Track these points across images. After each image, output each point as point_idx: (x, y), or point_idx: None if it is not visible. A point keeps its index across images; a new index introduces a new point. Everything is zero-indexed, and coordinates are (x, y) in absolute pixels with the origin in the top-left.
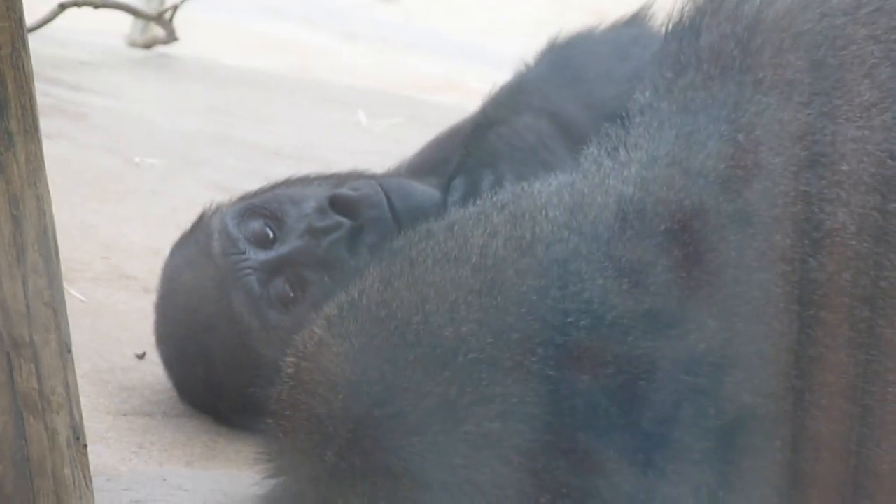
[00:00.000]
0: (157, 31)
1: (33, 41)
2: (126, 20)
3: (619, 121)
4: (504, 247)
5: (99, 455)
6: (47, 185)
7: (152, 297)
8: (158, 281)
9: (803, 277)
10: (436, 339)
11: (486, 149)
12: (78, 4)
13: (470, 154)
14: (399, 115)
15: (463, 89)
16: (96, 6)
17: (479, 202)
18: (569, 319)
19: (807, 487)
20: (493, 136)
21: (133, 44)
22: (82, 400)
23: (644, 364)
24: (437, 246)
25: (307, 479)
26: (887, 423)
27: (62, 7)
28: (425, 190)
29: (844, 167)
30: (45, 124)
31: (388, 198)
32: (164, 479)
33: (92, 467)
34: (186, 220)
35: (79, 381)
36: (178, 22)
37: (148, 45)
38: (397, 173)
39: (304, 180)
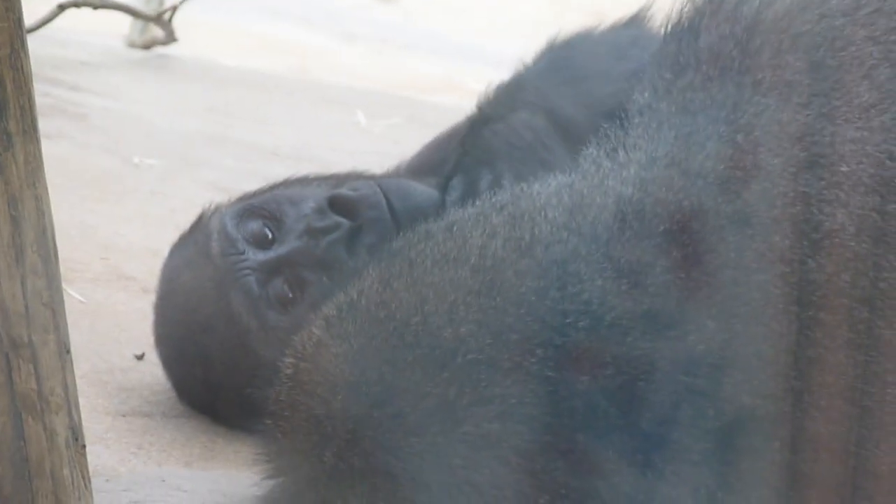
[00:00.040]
0: (157, 31)
1: (33, 42)
2: (125, 21)
3: (617, 122)
4: (503, 248)
5: (98, 456)
6: (46, 186)
7: (151, 298)
8: (157, 281)
9: (802, 278)
10: (435, 340)
11: (483, 147)
12: (77, 5)
13: (467, 152)
14: (398, 116)
15: (462, 90)
16: (95, 7)
17: (477, 203)
18: (568, 320)
19: (806, 488)
20: (489, 133)
21: (132, 44)
22: (81, 400)
23: (643, 365)
24: (436, 247)
25: (306, 479)
26: (886, 424)
27: (61, 8)
28: (424, 190)
29: (843, 168)
30: (44, 125)
31: (387, 198)
32: (163, 480)
33: (91, 468)
34: (185, 221)
35: (78, 381)
36: (177, 23)
37: (147, 46)
38: (396, 174)
39: (303, 181)
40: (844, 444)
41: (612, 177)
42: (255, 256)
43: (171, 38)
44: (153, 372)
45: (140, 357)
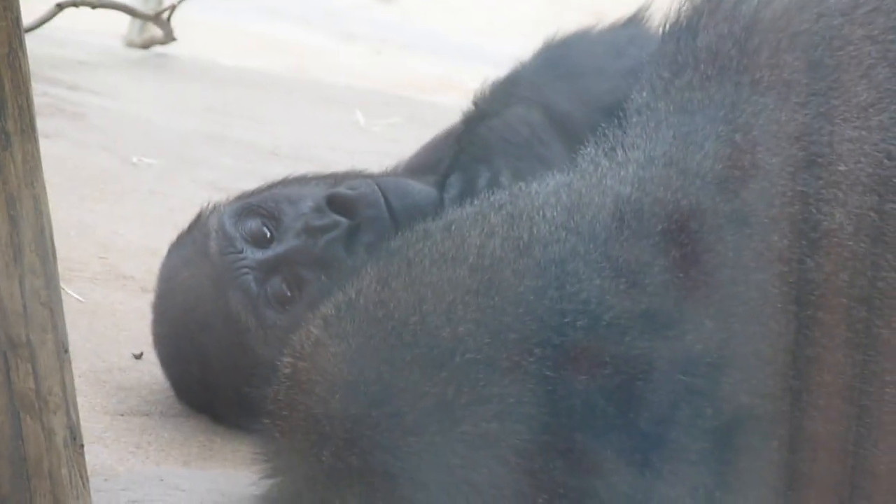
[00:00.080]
0: (155, 31)
1: (31, 41)
2: (124, 20)
3: (615, 120)
4: (501, 247)
5: (96, 455)
6: (44, 185)
7: (150, 297)
8: (156, 280)
9: (800, 278)
10: (433, 340)
11: (479, 143)
12: (75, 4)
13: (463, 149)
14: (397, 115)
15: (461, 89)
16: (94, 6)
17: (476, 202)
18: (566, 320)
19: (804, 488)
20: (484, 129)
21: (131, 44)
22: (80, 400)
23: (641, 364)
24: (435, 246)
25: (304, 479)
26: (884, 424)
27: (60, 7)
28: (422, 189)
29: (842, 167)
30: (42, 124)
31: (385, 197)
32: (162, 479)
33: (89, 467)
34: (184, 220)
35: (76, 380)
36: (176, 22)
37: (145, 46)
38: (394, 174)
39: (302, 180)
40: (843, 443)
41: (610, 176)
42: (254, 255)
43: (169, 37)
44: (151, 371)
45: (138, 356)
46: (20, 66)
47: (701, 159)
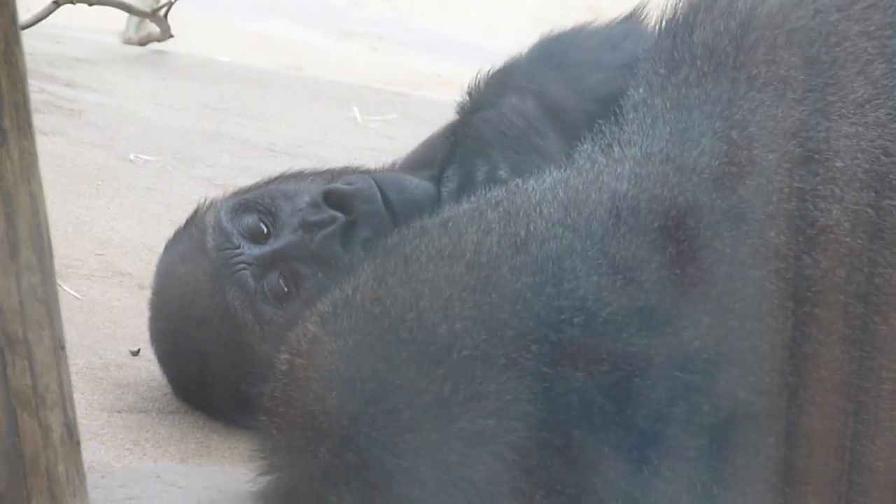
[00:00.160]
0: (152, 28)
1: (28, 38)
2: (121, 17)
3: (611, 115)
4: (498, 244)
5: (93, 452)
6: (41, 183)
7: (147, 294)
8: (153, 277)
9: (797, 274)
10: (430, 337)
11: (475, 135)
12: (72, 1)
13: (459, 141)
14: (394, 112)
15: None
16: (91, 3)
17: (473, 198)
18: (563, 316)
19: (802, 484)
20: (479, 121)
21: (128, 41)
22: (76, 397)
23: (638, 361)
24: (431, 243)
25: (301, 475)
26: (881, 420)
27: (57, 4)
28: (419, 183)
29: (838, 164)
30: (39, 121)
31: (382, 192)
32: (159, 476)
33: (86, 464)
34: (181, 217)
35: (73, 377)
36: (173, 19)
37: (143, 43)
38: (392, 170)
39: (298, 176)
40: (840, 439)
41: (606, 172)
42: (251, 251)
43: (166, 34)
44: (148, 368)
45: (135, 353)
46: (16, 62)
47: (697, 156)
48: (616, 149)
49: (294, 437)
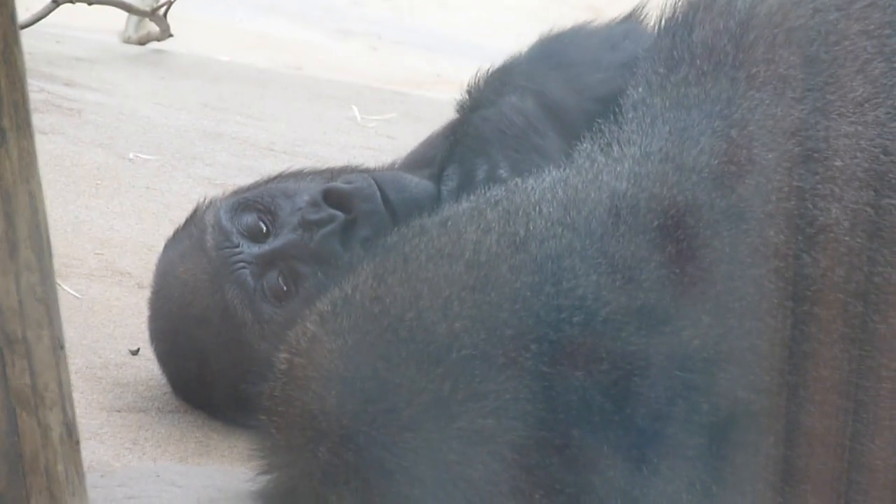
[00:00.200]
0: (152, 27)
1: (28, 37)
2: (121, 16)
3: (611, 114)
4: (498, 243)
5: (93, 451)
6: (40, 182)
7: (146, 293)
8: (152, 276)
9: (797, 273)
10: (429, 336)
11: (475, 134)
12: (72, 1)
13: (458, 140)
14: (393, 111)
15: (457, 85)
16: (90, 2)
17: (472, 197)
18: (562, 316)
19: (801, 483)
20: (479, 119)
21: (127, 40)
22: (76, 396)
23: (637, 360)
24: (431, 242)
25: (300, 474)
26: (881, 419)
27: (56, 3)
28: (419, 182)
29: (838, 163)
30: (39, 120)
31: (382, 190)
32: (158, 475)
33: (86, 463)
34: (180, 216)
35: (72, 377)
36: (173, 18)
37: (142, 42)
38: (392, 170)
39: (298, 175)
40: (839, 438)
41: (606, 172)
42: (250, 249)
43: (166, 33)
44: (148, 367)
45: (135, 352)
46: (16, 62)
47: (697, 155)
48: (615, 148)
49: (293, 436)
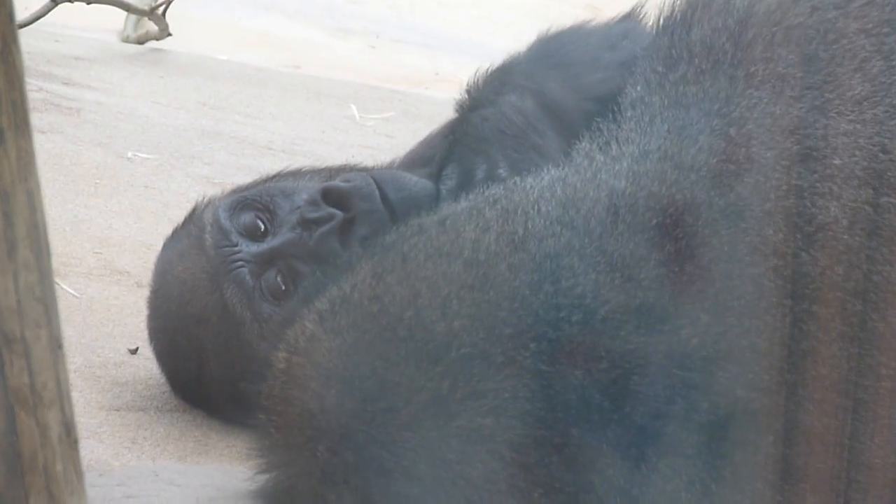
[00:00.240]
0: (150, 26)
1: (27, 36)
2: (119, 16)
3: (610, 113)
4: (496, 242)
5: (92, 450)
6: (38, 181)
7: (145, 292)
8: (151, 275)
9: (795, 271)
10: (428, 335)
11: (474, 133)
12: (71, 0)
13: (458, 140)
14: (391, 110)
15: (455, 84)
16: (89, 1)
17: (470, 196)
18: (561, 314)
19: (800, 481)
20: (478, 119)
21: (126, 39)
22: (75, 395)
23: (636, 358)
24: (430, 241)
25: (299, 474)
26: (880, 417)
27: (55, 2)
28: (418, 181)
29: (836, 161)
30: (37, 119)
31: (381, 189)
32: (157, 474)
33: (84, 462)
34: (179, 215)
35: (71, 376)
36: (171, 17)
37: (141, 41)
38: (390, 168)
39: (296, 174)
40: (838, 436)
41: (604, 170)
42: (249, 248)
43: (164, 32)
44: (147, 366)
45: (134, 351)
46: (14, 61)
47: (695, 153)
48: (614, 146)
49: (292, 435)
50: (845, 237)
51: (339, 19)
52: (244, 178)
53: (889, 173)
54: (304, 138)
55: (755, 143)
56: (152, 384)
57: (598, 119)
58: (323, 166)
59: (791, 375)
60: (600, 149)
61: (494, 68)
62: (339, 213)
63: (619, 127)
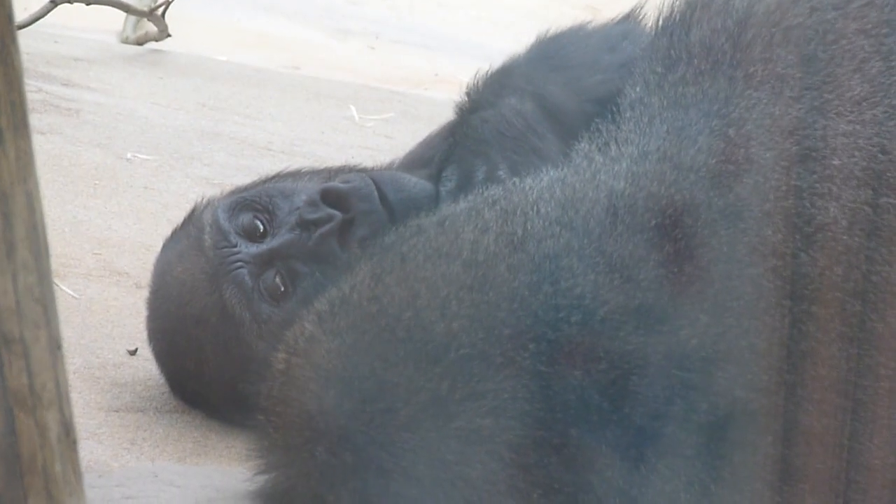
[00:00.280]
0: (150, 27)
1: (26, 37)
2: (118, 17)
3: (609, 115)
4: (495, 242)
5: (91, 451)
6: (37, 182)
7: (144, 293)
8: (150, 276)
9: (794, 272)
10: (427, 335)
11: (474, 135)
12: (70, 1)
13: (457, 141)
14: (391, 111)
15: (455, 84)
16: (88, 2)
17: (470, 197)
18: (560, 315)
19: (799, 482)
20: (478, 121)
21: (125, 40)
22: (74, 396)
23: (635, 359)
24: (429, 242)
25: (298, 474)
26: (879, 418)
27: (54, 3)
28: (417, 182)
29: (835, 162)
30: (37, 120)
31: (380, 190)
32: (156, 475)
33: (84, 463)
34: (178, 216)
35: (70, 377)
36: (171, 18)
37: (140, 42)
38: (390, 169)
39: (296, 175)
40: (837, 437)
41: (604, 171)
42: (248, 249)
43: (164, 33)
44: (146, 367)
45: (133, 352)
46: (13, 62)
47: (694, 154)
48: (613, 147)
49: (291, 436)
50: (844, 238)
51: (339, 20)
52: (243, 179)
53: (888, 174)
54: (303, 139)
55: (754, 144)
56: (151, 385)
57: (597, 121)
58: (322, 167)
59: (790, 376)
60: (599, 150)
61: (494, 70)
62: (338, 213)
63: (618, 128)
